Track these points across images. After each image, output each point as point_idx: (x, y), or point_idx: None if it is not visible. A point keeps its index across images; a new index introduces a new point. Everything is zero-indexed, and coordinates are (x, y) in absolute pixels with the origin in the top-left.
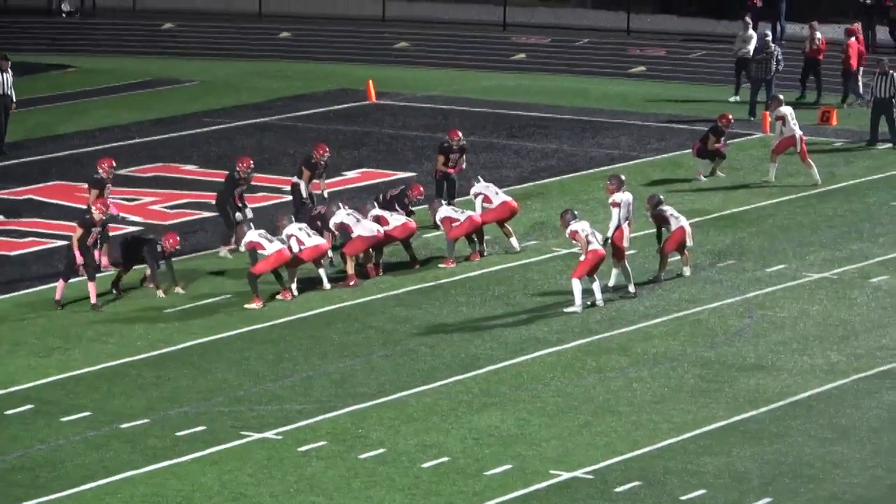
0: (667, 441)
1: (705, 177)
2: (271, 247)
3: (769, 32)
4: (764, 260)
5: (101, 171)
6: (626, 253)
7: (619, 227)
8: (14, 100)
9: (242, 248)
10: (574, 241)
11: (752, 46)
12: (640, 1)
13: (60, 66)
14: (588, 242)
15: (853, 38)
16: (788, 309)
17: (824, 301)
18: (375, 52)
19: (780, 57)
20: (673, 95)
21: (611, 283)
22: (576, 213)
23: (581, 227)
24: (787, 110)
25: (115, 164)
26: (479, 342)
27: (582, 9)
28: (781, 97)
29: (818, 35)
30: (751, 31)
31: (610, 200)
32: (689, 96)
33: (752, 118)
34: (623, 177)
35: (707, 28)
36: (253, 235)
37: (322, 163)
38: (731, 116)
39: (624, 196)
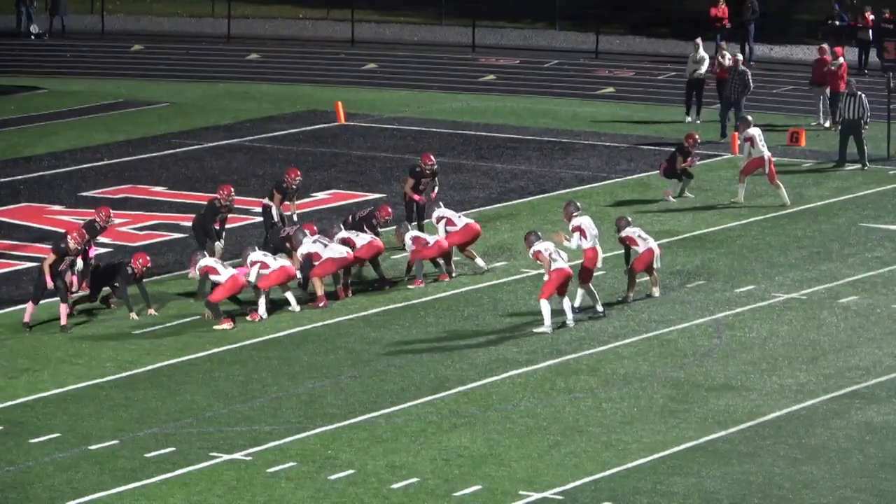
0: (636, 461)
1: (674, 197)
2: (225, 273)
3: (740, 54)
4: (733, 280)
5: (98, 218)
6: (594, 274)
7: (592, 247)
8: None
9: (194, 274)
10: (539, 262)
11: (704, 68)
12: (609, 22)
13: (29, 87)
14: (552, 261)
15: (842, 59)
16: (758, 329)
17: (793, 321)
18: (344, 73)
19: (749, 79)
20: (641, 116)
21: (577, 303)
22: (539, 234)
23: (544, 246)
24: (755, 131)
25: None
26: (448, 363)
27: (551, 30)
28: (750, 118)
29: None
30: (702, 53)
31: (570, 225)
32: (657, 117)
33: (722, 139)
34: (578, 203)
35: (676, 49)
36: (208, 260)
37: (293, 187)
38: (697, 136)
39: (584, 219)
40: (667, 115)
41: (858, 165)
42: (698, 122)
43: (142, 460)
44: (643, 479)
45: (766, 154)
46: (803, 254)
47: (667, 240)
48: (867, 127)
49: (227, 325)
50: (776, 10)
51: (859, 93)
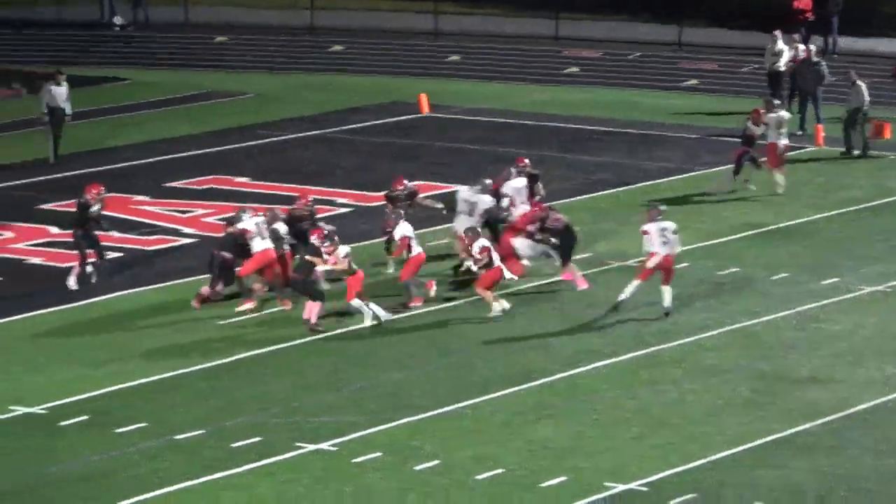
0: (721, 454)
1: (749, 186)
2: (260, 244)
3: (812, 45)
4: (817, 273)
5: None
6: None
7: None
8: (68, 112)
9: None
10: (645, 238)
11: (783, 60)
12: (692, 15)
13: (114, 78)
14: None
15: None
16: (843, 322)
17: (879, 314)
18: (428, 65)
19: (824, 70)
20: (725, 108)
21: (625, 296)
22: (661, 210)
23: (656, 227)
24: (778, 116)
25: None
26: (533, 354)
27: (634, 22)
28: (777, 102)
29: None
30: (780, 45)
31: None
32: (740, 109)
33: (800, 132)
34: (662, 207)
35: (759, 41)
36: (249, 223)
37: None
38: (760, 109)
39: (656, 225)
40: (750, 107)
41: None
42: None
43: (228, 450)
44: (728, 472)
45: (783, 142)
46: (887, 246)
47: (751, 232)
48: None
49: (249, 306)
50: (860, 1)
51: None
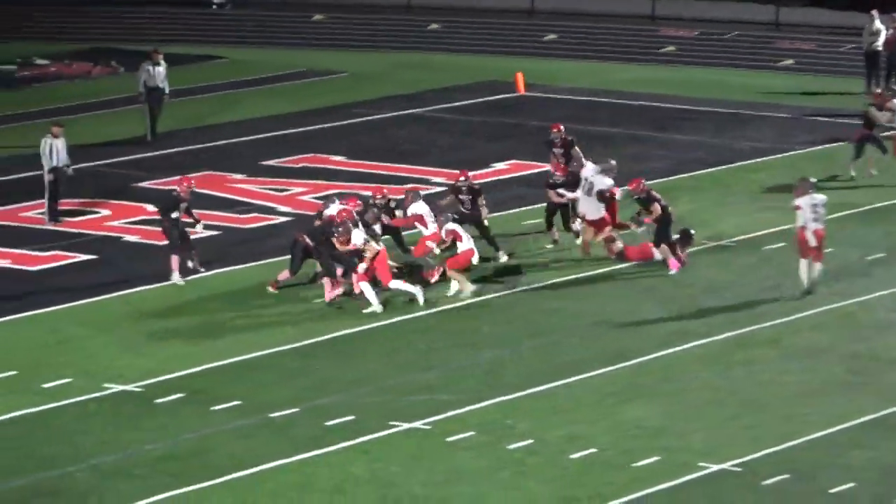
0: (815, 434)
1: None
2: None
3: None
4: None
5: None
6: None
7: (803, 227)
8: (167, 91)
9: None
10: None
11: (881, 40)
12: None
13: (211, 57)
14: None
15: None
16: None
17: None
18: (524, 44)
19: None
20: (822, 88)
21: (804, 280)
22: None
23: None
24: None
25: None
26: (626, 334)
27: (730, 2)
28: None
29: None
30: (878, 25)
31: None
32: (837, 89)
33: None
34: (813, 179)
35: (857, 21)
36: (419, 207)
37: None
38: (880, 90)
39: (808, 199)
40: (848, 87)
41: None
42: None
43: (322, 428)
44: (822, 452)
45: None
46: None
47: (846, 212)
48: None
49: (337, 291)
50: None
51: None
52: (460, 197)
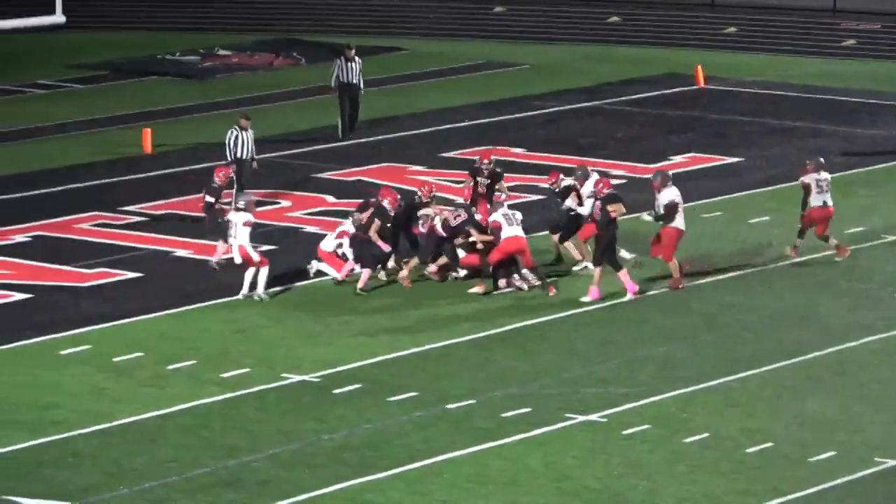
0: None
1: None
2: (509, 231)
3: None
4: None
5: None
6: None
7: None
8: (362, 88)
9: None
10: None
11: None
12: None
13: (391, 48)
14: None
15: None
16: None
17: None
18: (704, 36)
19: None
20: None
21: None
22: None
23: None
24: None
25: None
26: (802, 328)
27: None
28: None
29: None
30: None
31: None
32: None
33: None
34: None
35: None
36: (499, 215)
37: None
38: None
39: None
40: None
41: None
42: None
43: (498, 420)
44: None
45: None
46: None
47: None
48: None
49: (478, 289)
50: None
51: None
52: (478, 179)
